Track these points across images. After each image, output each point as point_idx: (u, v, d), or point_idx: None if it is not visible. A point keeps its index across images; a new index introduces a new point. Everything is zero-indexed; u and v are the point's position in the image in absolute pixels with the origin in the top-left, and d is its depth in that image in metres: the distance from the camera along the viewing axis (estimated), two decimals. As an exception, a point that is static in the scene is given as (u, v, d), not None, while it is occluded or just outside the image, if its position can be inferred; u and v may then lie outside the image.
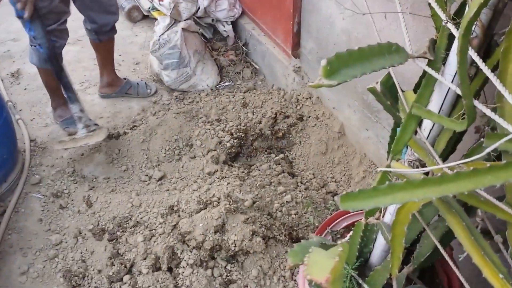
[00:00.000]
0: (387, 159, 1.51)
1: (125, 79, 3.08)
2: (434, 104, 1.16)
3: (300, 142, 2.55)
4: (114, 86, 3.00)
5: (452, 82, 1.06)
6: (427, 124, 1.22)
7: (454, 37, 1.07)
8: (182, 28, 3.02)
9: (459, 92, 0.98)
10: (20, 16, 2.20)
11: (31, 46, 2.40)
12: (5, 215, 2.20)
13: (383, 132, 2.09)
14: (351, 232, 1.35)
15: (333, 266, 0.67)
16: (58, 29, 2.33)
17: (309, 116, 2.58)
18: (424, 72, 1.29)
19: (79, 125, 2.50)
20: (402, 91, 1.35)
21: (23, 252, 2.08)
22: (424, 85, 1.13)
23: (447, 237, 1.27)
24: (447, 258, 1.09)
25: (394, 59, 1.06)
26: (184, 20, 3.11)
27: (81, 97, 3.06)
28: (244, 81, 3.23)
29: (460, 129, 1.00)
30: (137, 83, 3.08)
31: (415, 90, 1.32)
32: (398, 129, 1.47)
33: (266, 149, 2.54)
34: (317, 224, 2.05)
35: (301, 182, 2.30)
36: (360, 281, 1.29)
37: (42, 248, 2.09)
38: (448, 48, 1.10)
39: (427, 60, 1.11)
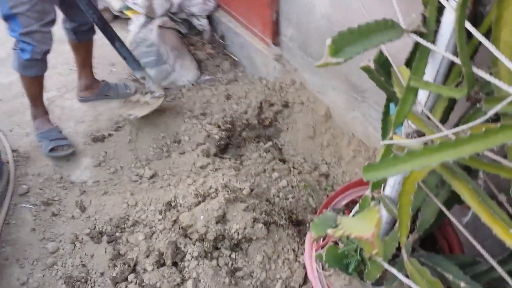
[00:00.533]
0: (382, 135, 1.56)
1: (103, 81, 3.03)
2: (429, 76, 1.20)
3: (287, 128, 2.58)
4: (93, 89, 2.95)
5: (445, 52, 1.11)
6: (422, 96, 1.27)
7: (443, 10, 1.11)
8: (158, 25, 3.00)
9: (456, 61, 1.02)
10: (7, 15, 2.12)
11: (14, 50, 2.30)
12: (-4, 228, 2.15)
13: (370, 110, 2.13)
14: (356, 207, 1.38)
15: (377, 222, 0.70)
16: (40, 30, 2.20)
17: (294, 102, 2.61)
18: (415, 47, 1.33)
19: (146, 90, 2.68)
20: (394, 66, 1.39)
21: (20, 264, 2.03)
22: (418, 58, 1.17)
23: (449, 203, 1.33)
24: (455, 222, 1.14)
25: (390, 35, 1.09)
26: (159, 17, 3.09)
27: (60, 103, 3.02)
28: (224, 73, 3.23)
29: (460, 96, 1.04)
30: (116, 84, 3.04)
31: (406, 65, 1.36)
32: (391, 104, 1.51)
33: (255, 138, 2.56)
34: (314, 206, 2.09)
35: (293, 167, 2.33)
36: (370, 253, 1.33)
37: (39, 258, 2.05)
38: (437, 21, 1.15)
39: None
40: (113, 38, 2.50)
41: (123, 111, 2.70)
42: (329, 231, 0.78)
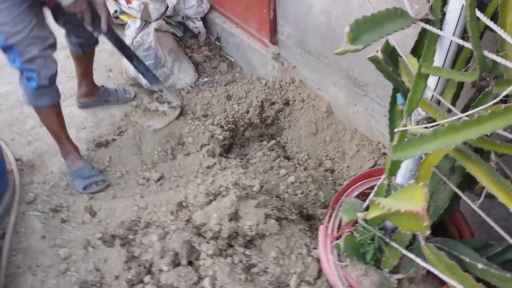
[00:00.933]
0: (390, 125, 1.58)
1: (102, 86, 3.03)
2: (437, 63, 1.24)
3: (289, 126, 2.60)
4: (93, 95, 2.95)
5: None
6: (431, 83, 1.30)
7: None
8: (155, 29, 3.01)
9: (467, 45, 1.05)
10: (4, 47, 2.03)
11: (20, 83, 2.19)
12: (6, 237, 2.14)
13: (372, 104, 2.17)
14: (370, 196, 1.41)
15: (425, 196, 0.72)
16: (42, 55, 2.08)
17: (295, 100, 2.64)
18: (421, 36, 1.37)
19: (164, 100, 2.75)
20: (401, 56, 1.43)
21: (32, 271, 2.03)
22: (427, 46, 1.20)
23: (460, 189, 1.36)
24: (471, 204, 1.17)
25: (401, 23, 1.12)
26: (155, 21, 3.10)
27: (59, 110, 3.02)
28: (222, 75, 3.25)
29: (472, 80, 1.07)
30: (115, 89, 3.05)
31: (412, 54, 1.39)
32: (398, 95, 1.54)
33: (258, 137, 2.58)
34: (323, 200, 2.12)
35: (299, 164, 2.36)
36: (387, 239, 1.36)
37: (51, 264, 2.05)
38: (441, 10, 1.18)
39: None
40: (131, 56, 2.56)
41: (142, 121, 2.72)
42: (359, 214, 0.81)
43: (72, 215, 2.23)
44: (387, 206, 0.77)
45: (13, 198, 2.35)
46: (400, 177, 1.47)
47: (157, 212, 2.04)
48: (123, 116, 2.87)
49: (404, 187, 0.86)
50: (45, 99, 2.26)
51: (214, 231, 1.81)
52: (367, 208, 1.30)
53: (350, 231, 1.49)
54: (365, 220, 1.39)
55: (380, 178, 1.58)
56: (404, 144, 0.90)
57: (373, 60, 1.37)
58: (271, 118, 2.62)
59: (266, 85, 2.78)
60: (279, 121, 2.63)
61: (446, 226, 1.72)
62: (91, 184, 2.37)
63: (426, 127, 1.24)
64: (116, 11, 3.46)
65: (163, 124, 2.63)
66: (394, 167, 1.21)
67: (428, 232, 0.76)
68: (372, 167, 2.19)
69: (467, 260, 1.28)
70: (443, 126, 1.16)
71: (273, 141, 2.53)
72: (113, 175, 2.46)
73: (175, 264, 1.81)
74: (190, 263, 1.81)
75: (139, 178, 2.41)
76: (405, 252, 1.29)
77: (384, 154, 2.19)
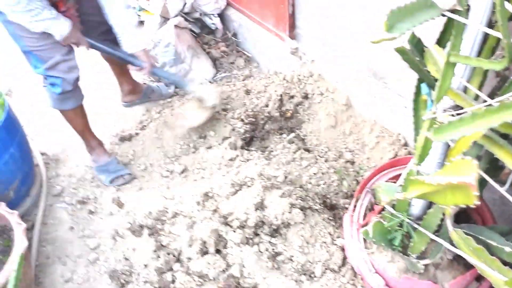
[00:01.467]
0: (414, 115, 1.62)
1: (144, 84, 3.05)
2: (464, 52, 1.27)
3: (309, 119, 2.64)
4: (136, 92, 2.94)
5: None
6: (457, 72, 1.33)
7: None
8: (174, 25, 3.07)
9: (497, 35, 1.09)
10: (25, 52, 2.06)
11: (44, 87, 2.22)
12: (35, 228, 2.22)
13: (392, 96, 2.20)
14: (399, 180, 1.45)
15: (475, 167, 0.76)
16: (64, 59, 2.09)
17: (314, 93, 2.67)
18: (446, 27, 1.40)
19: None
20: (426, 47, 1.46)
21: (62, 261, 2.10)
22: (454, 35, 1.23)
23: (487, 174, 1.39)
24: (497, 187, 1.20)
25: (431, 13, 1.16)
26: (173, 17, 3.15)
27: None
28: (239, 70, 3.30)
29: (500, 68, 1.10)
30: (158, 86, 3.04)
31: (438, 45, 1.43)
32: (422, 85, 1.57)
33: (278, 130, 2.62)
34: (346, 190, 2.16)
35: (319, 156, 2.40)
36: (415, 225, 1.40)
37: (80, 254, 2.12)
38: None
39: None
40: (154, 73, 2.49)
41: (183, 108, 2.69)
42: (397, 194, 0.85)
43: (100, 206, 2.30)
44: (435, 181, 0.81)
45: (40, 191, 2.43)
46: (426, 166, 1.51)
47: (183, 202, 2.09)
48: (145, 111, 2.93)
49: (447, 165, 0.90)
50: (70, 103, 2.29)
51: (240, 220, 1.86)
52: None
53: (377, 219, 1.53)
54: (392, 207, 1.43)
55: (403, 168, 1.61)
56: (445, 126, 0.94)
57: (400, 51, 1.40)
58: (290, 111, 2.66)
59: (284, 79, 2.81)
60: (298, 114, 2.67)
61: (469, 214, 1.75)
62: (118, 178, 2.43)
63: (452, 115, 1.27)
64: (135, 8, 3.52)
65: (196, 123, 2.58)
66: (424, 153, 1.25)
67: (477, 202, 0.80)
68: (392, 158, 2.23)
69: (494, 244, 1.31)
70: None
71: (292, 134, 2.57)
72: (137, 168, 2.53)
73: (203, 252, 1.86)
74: (218, 251, 1.87)
75: (163, 171, 2.47)
76: (433, 237, 1.33)
77: (405, 145, 2.22)
